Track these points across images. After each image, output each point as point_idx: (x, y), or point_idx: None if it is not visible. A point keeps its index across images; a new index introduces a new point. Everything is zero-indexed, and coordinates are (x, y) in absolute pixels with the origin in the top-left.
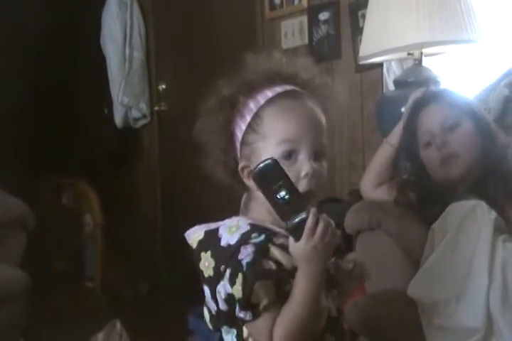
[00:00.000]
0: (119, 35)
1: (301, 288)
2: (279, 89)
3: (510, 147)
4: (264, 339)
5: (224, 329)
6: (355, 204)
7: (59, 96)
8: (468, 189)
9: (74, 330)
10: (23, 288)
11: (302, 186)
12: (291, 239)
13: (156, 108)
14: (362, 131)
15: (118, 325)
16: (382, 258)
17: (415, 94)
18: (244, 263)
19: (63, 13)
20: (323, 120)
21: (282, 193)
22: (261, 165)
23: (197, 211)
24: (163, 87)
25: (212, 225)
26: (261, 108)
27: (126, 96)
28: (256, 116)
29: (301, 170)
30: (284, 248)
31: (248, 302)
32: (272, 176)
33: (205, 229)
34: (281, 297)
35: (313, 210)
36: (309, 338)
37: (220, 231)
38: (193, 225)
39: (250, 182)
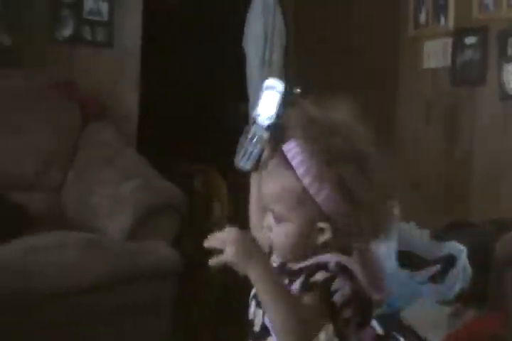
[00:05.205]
0: (261, 38)
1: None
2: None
3: None
4: None
5: None
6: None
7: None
8: None
9: None
10: (175, 267)
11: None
12: None
13: None
14: (500, 161)
15: None
16: None
17: None
18: None
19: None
20: (284, 189)
21: None
22: None
23: None
24: (299, 90)
25: None
26: None
27: None
28: None
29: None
30: None
31: None
32: None
33: None
34: None
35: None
36: None
37: None
38: None
39: None
